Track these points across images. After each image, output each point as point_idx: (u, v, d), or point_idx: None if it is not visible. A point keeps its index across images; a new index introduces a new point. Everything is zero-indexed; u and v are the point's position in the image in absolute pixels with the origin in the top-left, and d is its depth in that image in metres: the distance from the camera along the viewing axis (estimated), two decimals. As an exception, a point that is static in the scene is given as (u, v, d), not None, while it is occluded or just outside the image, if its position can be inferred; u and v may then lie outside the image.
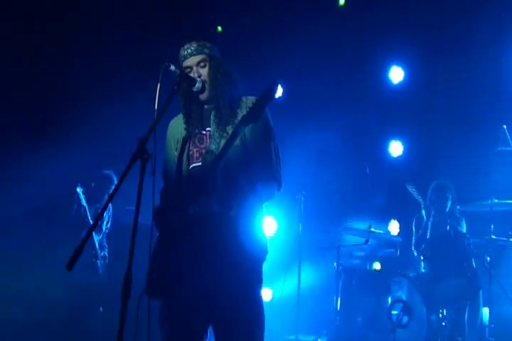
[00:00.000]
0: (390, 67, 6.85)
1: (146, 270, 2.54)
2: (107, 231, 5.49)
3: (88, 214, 5.20)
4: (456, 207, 5.46)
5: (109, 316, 5.09)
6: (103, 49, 6.18)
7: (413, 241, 5.45)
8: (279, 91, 7.30)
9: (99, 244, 5.34)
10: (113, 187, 5.37)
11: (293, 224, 5.82)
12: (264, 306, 2.59)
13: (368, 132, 6.83)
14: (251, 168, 2.58)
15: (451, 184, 5.53)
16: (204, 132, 2.70)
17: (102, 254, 5.37)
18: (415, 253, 5.33)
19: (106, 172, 5.49)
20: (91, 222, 5.14)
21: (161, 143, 2.69)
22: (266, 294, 6.17)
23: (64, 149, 5.69)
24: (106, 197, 5.37)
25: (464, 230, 5.40)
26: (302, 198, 5.63)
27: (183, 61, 2.73)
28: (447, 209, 5.41)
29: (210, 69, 2.71)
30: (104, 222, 5.46)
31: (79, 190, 5.15)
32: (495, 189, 5.38)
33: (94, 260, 5.24)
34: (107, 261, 5.42)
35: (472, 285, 4.91)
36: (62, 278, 4.85)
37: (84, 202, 5.17)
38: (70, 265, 1.98)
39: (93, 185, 5.39)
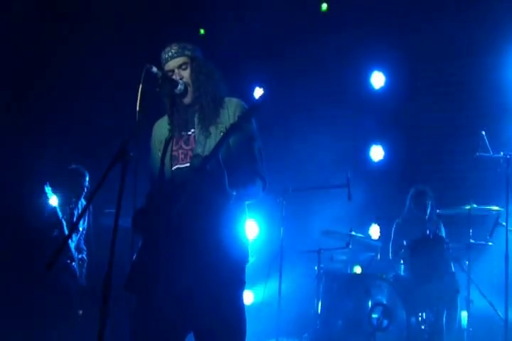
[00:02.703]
0: (371, 73, 6.90)
1: (125, 272, 2.52)
2: (84, 232, 5.27)
3: (59, 213, 4.95)
4: (434, 211, 5.52)
5: (89, 319, 5.02)
6: (83, 42, 6.11)
7: (390, 247, 5.49)
8: (258, 94, 7.36)
9: (76, 246, 5.16)
10: (84, 182, 5.19)
11: (274, 228, 5.82)
12: (245, 309, 2.58)
13: (349, 136, 6.86)
14: (235, 169, 2.58)
15: (430, 189, 5.59)
16: (189, 133, 2.70)
17: (80, 257, 5.17)
18: (391, 258, 5.37)
19: (74, 166, 5.23)
20: (63, 221, 4.94)
21: (143, 145, 2.70)
22: (247, 297, 6.16)
23: (31, 147, 5.60)
24: (79, 192, 5.17)
25: (443, 234, 5.46)
26: (284, 202, 5.64)
27: (164, 64, 2.73)
28: (427, 216, 5.48)
29: (191, 71, 2.70)
30: (80, 222, 5.22)
31: (47, 189, 4.87)
32: (473, 194, 5.45)
33: (69, 262, 5.03)
34: (85, 264, 5.21)
35: (451, 289, 4.95)
36: (38, 281, 4.80)
37: (56, 204, 4.91)
38: (50, 265, 1.95)
39: (63, 182, 5.14)
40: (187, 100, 2.71)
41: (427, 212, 5.49)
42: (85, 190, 5.22)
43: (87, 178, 5.21)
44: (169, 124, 2.74)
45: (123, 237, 2.41)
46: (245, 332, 2.54)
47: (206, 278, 2.46)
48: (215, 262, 2.47)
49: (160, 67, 2.71)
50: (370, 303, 4.82)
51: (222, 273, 2.48)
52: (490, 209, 5.12)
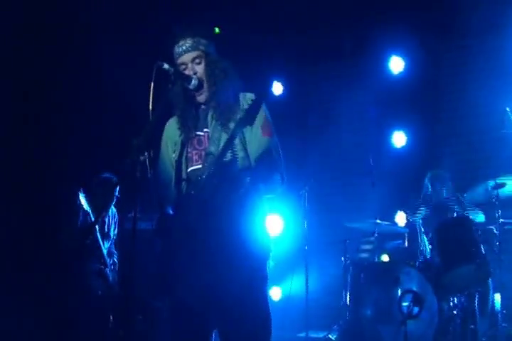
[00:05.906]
0: (389, 58, 6.82)
1: (151, 274, 2.53)
2: (114, 237, 5.35)
3: (92, 218, 4.99)
4: (459, 194, 5.42)
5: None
6: (96, 46, 6.08)
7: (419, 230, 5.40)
8: (277, 89, 7.27)
9: (107, 251, 5.22)
10: (115, 191, 5.20)
11: (299, 221, 5.79)
12: (270, 304, 2.56)
13: (370, 123, 6.80)
14: (252, 165, 2.55)
15: (446, 172, 5.51)
16: (202, 133, 2.66)
17: (111, 261, 5.24)
18: (420, 241, 5.26)
19: (105, 175, 5.27)
20: (96, 227, 5.00)
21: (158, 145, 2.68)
22: (275, 293, 6.15)
23: (62, 154, 5.64)
24: (110, 201, 5.22)
25: (483, 219, 5.34)
26: (306, 194, 5.60)
27: (177, 58, 2.67)
28: (444, 199, 5.38)
29: (206, 65, 2.64)
30: (111, 228, 5.32)
31: (81, 196, 4.92)
32: (499, 173, 5.32)
33: (103, 267, 5.09)
34: (116, 267, 5.26)
35: (482, 272, 4.84)
36: (72, 289, 4.85)
37: (87, 208, 4.96)
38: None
39: (95, 191, 5.19)
40: (202, 97, 2.66)
41: (443, 195, 5.40)
42: (115, 199, 5.29)
43: (118, 188, 5.27)
44: (181, 125, 2.69)
45: (147, 240, 2.41)
46: (270, 329, 2.53)
47: (229, 277, 2.46)
48: (236, 260, 2.46)
49: (171, 63, 2.67)
50: (399, 291, 4.75)
51: (244, 271, 2.48)
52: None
